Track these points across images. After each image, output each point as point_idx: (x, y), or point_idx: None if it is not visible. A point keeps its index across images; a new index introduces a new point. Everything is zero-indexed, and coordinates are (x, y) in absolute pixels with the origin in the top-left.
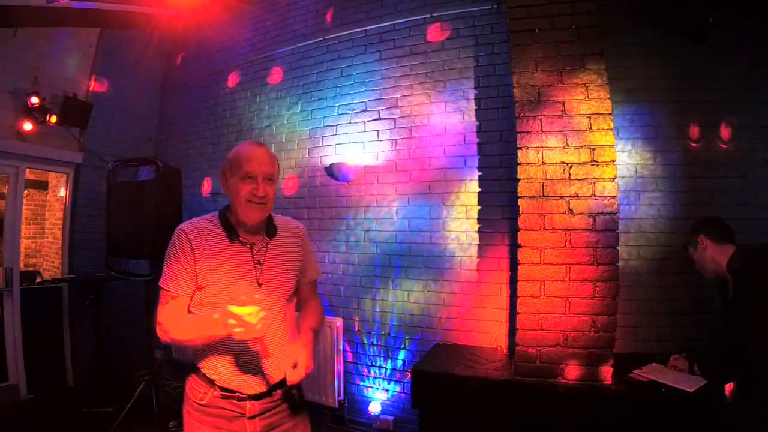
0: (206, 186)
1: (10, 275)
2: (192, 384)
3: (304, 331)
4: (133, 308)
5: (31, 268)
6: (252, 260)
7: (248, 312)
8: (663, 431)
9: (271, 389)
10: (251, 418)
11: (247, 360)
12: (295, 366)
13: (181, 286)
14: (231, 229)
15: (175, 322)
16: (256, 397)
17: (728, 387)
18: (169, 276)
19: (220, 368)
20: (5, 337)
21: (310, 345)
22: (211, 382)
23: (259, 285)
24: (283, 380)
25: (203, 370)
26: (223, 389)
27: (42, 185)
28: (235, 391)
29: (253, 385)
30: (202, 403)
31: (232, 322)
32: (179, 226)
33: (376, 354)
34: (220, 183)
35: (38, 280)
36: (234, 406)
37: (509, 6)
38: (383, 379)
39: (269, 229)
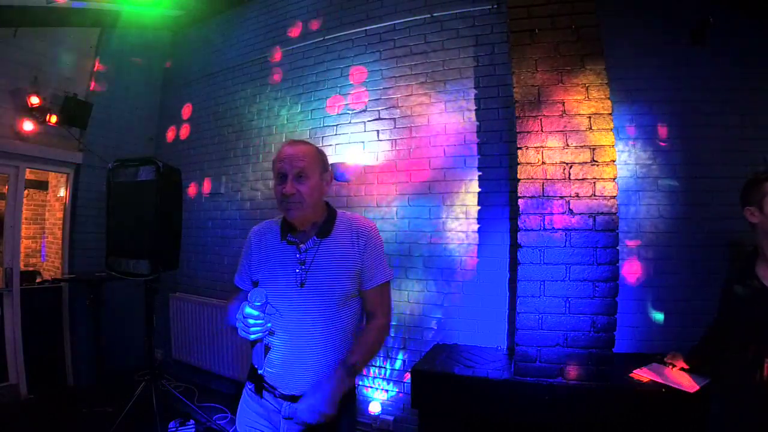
0: (206, 186)
1: (10, 275)
2: (251, 368)
3: (343, 362)
4: (133, 308)
5: (31, 268)
6: (296, 260)
7: (253, 315)
8: (663, 431)
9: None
10: (286, 418)
11: (283, 358)
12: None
13: (240, 280)
14: (285, 227)
15: (228, 308)
16: (291, 399)
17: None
18: (237, 271)
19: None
20: (5, 337)
21: (337, 383)
22: (255, 372)
23: (301, 286)
24: None
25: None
26: (264, 381)
27: (42, 185)
28: (274, 387)
29: (287, 385)
30: (252, 389)
31: (238, 316)
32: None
33: None
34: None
35: (38, 280)
36: (273, 401)
37: (509, 6)
38: (383, 379)
39: (322, 229)
